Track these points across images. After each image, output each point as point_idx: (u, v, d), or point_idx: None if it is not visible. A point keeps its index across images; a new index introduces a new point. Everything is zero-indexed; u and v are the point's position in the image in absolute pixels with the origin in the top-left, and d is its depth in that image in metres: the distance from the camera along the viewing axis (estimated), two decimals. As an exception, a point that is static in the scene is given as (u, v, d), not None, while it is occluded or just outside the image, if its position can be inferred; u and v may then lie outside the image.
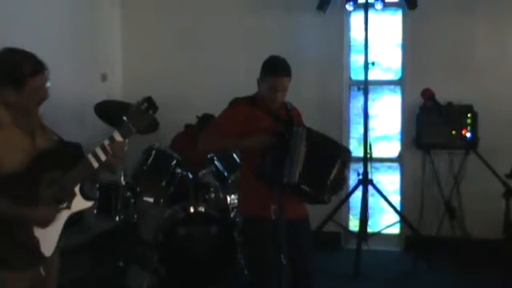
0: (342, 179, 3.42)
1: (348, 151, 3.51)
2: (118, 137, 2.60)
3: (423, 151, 5.89)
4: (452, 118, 5.47)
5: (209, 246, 4.60)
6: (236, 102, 3.52)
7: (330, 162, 3.32)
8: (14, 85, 2.49)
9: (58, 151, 2.67)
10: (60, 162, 2.59)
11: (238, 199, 4.22)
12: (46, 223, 2.54)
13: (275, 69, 3.41)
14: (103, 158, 2.59)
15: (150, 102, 2.61)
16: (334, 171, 3.30)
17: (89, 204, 2.70)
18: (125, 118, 2.59)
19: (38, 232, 2.54)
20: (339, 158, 3.35)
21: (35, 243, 2.53)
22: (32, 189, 2.51)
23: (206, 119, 5.47)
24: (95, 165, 2.58)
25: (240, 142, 3.42)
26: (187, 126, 5.76)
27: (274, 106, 3.42)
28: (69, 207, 2.62)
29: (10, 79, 2.49)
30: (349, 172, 4.20)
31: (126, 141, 2.63)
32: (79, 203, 2.66)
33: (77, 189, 2.64)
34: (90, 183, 2.92)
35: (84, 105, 5.31)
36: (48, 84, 2.59)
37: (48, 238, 2.57)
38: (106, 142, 2.59)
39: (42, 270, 2.60)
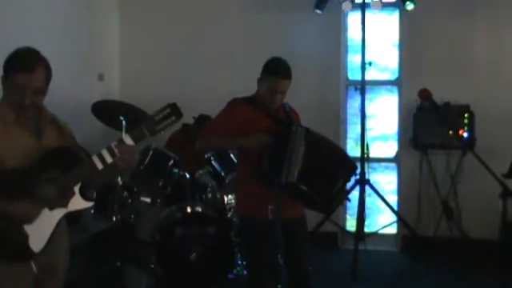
0: (343, 192, 3.42)
1: (355, 167, 3.47)
2: (128, 140, 2.58)
3: (420, 151, 5.89)
4: (449, 118, 5.48)
5: (206, 245, 4.60)
6: (234, 102, 3.51)
7: (336, 171, 3.31)
8: (4, 76, 2.54)
9: (66, 151, 2.66)
10: (64, 161, 2.58)
11: (236, 199, 4.21)
12: (28, 219, 2.52)
13: (275, 70, 3.39)
14: (109, 159, 2.56)
15: (173, 109, 2.58)
16: (339, 184, 3.29)
17: (87, 204, 2.68)
18: (142, 122, 2.59)
19: (29, 227, 2.53)
20: (348, 172, 3.35)
21: (23, 238, 2.52)
22: (27, 186, 2.50)
23: (202, 120, 5.47)
24: (99, 166, 2.56)
25: (238, 140, 3.41)
26: (184, 126, 5.76)
27: (272, 107, 3.42)
28: (65, 206, 2.61)
29: (3, 69, 2.53)
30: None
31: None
32: (77, 203, 2.64)
33: (76, 188, 2.63)
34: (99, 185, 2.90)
35: (81, 104, 5.29)
36: (39, 98, 2.56)
37: (38, 234, 2.55)
38: (114, 144, 2.57)
39: (33, 266, 2.58)
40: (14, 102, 2.53)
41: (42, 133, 2.63)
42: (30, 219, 2.53)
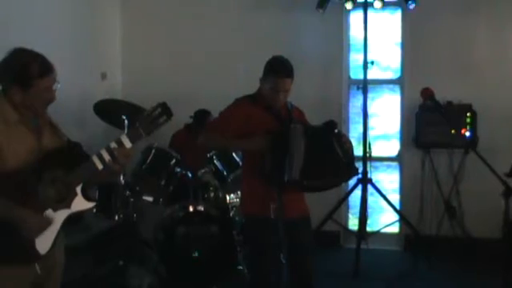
0: (348, 147, 3.41)
1: (332, 123, 3.45)
2: (125, 141, 2.58)
3: (423, 150, 5.89)
4: (451, 117, 5.46)
5: (208, 244, 4.60)
6: (238, 101, 3.52)
7: (329, 146, 3.33)
8: (20, 85, 2.51)
9: (65, 151, 2.66)
10: (64, 161, 2.59)
11: (241, 198, 4.23)
12: (35, 232, 2.53)
13: (277, 69, 3.40)
14: (108, 159, 2.57)
15: (163, 108, 2.59)
16: (337, 149, 3.30)
17: (89, 205, 2.68)
18: (136, 122, 2.59)
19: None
20: (332, 136, 3.35)
21: (30, 241, 2.52)
22: (31, 186, 2.51)
23: (202, 114, 5.50)
24: (99, 166, 2.57)
25: (239, 143, 3.42)
26: (187, 126, 5.76)
27: (275, 106, 3.41)
28: (68, 206, 2.62)
29: (17, 79, 2.51)
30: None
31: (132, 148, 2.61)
32: (80, 203, 2.64)
33: (78, 189, 2.63)
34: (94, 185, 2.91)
35: (84, 103, 5.30)
36: (56, 86, 2.59)
37: (44, 236, 2.56)
38: (113, 145, 2.57)
39: (37, 268, 2.59)
40: (41, 104, 2.59)
41: (41, 133, 2.64)
42: (37, 233, 2.53)
